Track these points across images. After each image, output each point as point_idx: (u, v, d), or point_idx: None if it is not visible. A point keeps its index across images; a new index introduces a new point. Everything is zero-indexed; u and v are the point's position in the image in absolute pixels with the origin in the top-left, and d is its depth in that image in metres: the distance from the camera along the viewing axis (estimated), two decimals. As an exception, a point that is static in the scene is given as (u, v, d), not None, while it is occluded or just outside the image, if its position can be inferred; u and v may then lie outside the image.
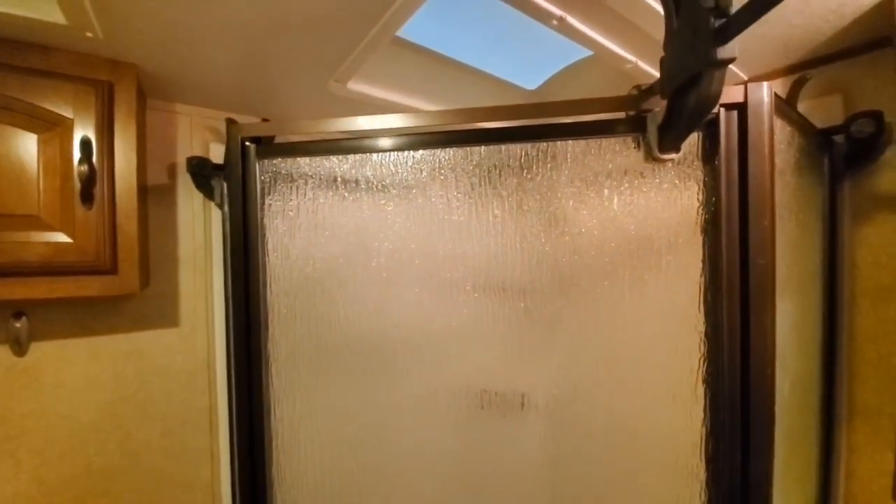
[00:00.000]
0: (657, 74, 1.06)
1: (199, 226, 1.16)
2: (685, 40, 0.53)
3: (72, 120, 0.86)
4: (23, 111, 0.82)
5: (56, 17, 0.77)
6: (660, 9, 0.77)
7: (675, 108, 0.57)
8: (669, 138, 0.59)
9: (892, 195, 0.90)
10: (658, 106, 0.61)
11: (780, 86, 1.03)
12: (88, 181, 0.86)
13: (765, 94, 0.61)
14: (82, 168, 0.86)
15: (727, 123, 0.61)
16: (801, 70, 1.01)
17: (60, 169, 0.86)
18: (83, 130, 0.87)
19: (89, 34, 0.81)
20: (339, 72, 0.99)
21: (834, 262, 0.97)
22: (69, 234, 0.86)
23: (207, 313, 1.17)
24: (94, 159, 0.88)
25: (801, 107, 0.94)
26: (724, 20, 0.48)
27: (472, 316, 0.70)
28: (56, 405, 1.01)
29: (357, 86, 1.06)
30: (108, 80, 0.90)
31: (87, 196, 0.87)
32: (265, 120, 0.86)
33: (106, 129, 0.90)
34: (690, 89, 0.53)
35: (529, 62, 1.35)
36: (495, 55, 1.27)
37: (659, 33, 0.86)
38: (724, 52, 0.49)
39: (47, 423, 1.00)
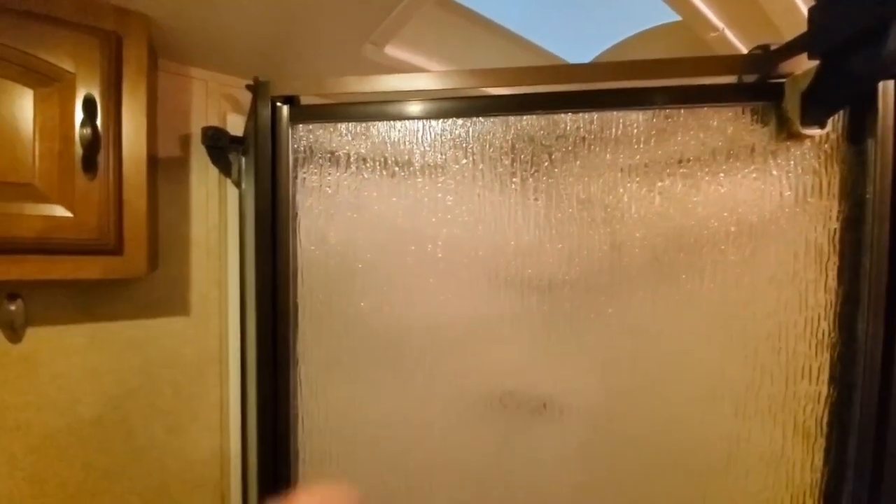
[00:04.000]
0: (742, 48, 0.93)
1: (213, 205, 1.05)
2: (859, -20, 0.41)
3: (73, 75, 0.75)
4: (16, 61, 0.70)
5: (55, -51, 0.65)
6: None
7: (831, 72, 0.44)
8: (817, 110, 0.47)
9: None
10: (799, 69, 0.49)
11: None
12: (92, 147, 0.75)
13: (929, 59, 0.49)
14: (85, 131, 0.74)
15: (884, 95, 0.48)
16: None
17: (60, 131, 0.74)
18: (86, 88, 0.76)
19: (94, -27, 0.69)
20: (376, 33, 0.87)
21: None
22: (68, 208, 0.75)
23: (220, 301, 1.06)
24: (99, 122, 0.77)
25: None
26: (936, -54, 0.36)
27: (528, 313, 0.59)
28: (55, 397, 0.91)
29: (395, 51, 0.94)
30: (114, 30, 0.78)
31: (89, 164, 0.76)
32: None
33: (113, 88, 0.78)
34: (859, 47, 0.41)
35: (582, 35, 1.22)
36: (546, 24, 1.14)
37: (763, -7, 0.74)
38: (930, -9, 0.36)
39: (45, 416, 0.90)
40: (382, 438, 0.63)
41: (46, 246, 0.74)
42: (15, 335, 0.87)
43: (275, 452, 0.59)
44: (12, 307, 0.85)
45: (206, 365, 1.06)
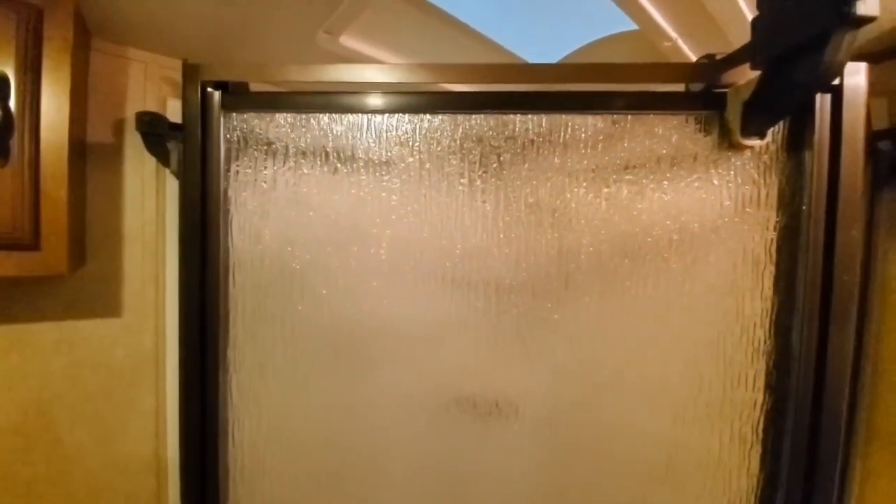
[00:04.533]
0: (694, 57, 0.95)
1: (149, 196, 0.97)
2: (798, -7, 0.41)
3: (-18, 50, 0.67)
4: None
5: None
6: (727, -31, 0.65)
7: (772, 82, 0.45)
8: (758, 120, 0.47)
9: (936, 208, 0.82)
10: (742, 80, 0.49)
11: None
12: (3, 130, 0.68)
13: (862, 77, 0.51)
14: (-6, 113, 0.67)
15: (821, 109, 0.49)
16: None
17: (-35, 112, 0.67)
18: (-2, 65, 0.68)
19: (6, -64, 0.62)
20: (330, 21, 0.83)
21: (866, 277, 0.90)
22: (-25, 197, 0.67)
23: (157, 301, 0.99)
24: (13, 104, 0.69)
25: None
26: (869, -38, 0.37)
27: (474, 318, 0.58)
28: (-34, 404, 0.83)
29: (350, 41, 0.90)
30: (36, 4, 0.71)
31: (0, 149, 0.69)
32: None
33: (29, 68, 0.71)
34: (800, 58, 0.41)
35: (543, 38, 1.22)
36: (508, 25, 1.13)
37: (714, 5, 0.75)
38: (864, 7, 0.37)
39: (-48, 426, 0.81)
40: (322, 450, 0.59)
41: (-52, 239, 0.66)
42: (-86, 337, 0.78)
43: (201, 468, 0.55)
44: None
45: (140, 368, 0.98)
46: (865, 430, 0.90)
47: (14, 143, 0.70)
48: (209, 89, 0.52)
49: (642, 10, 0.74)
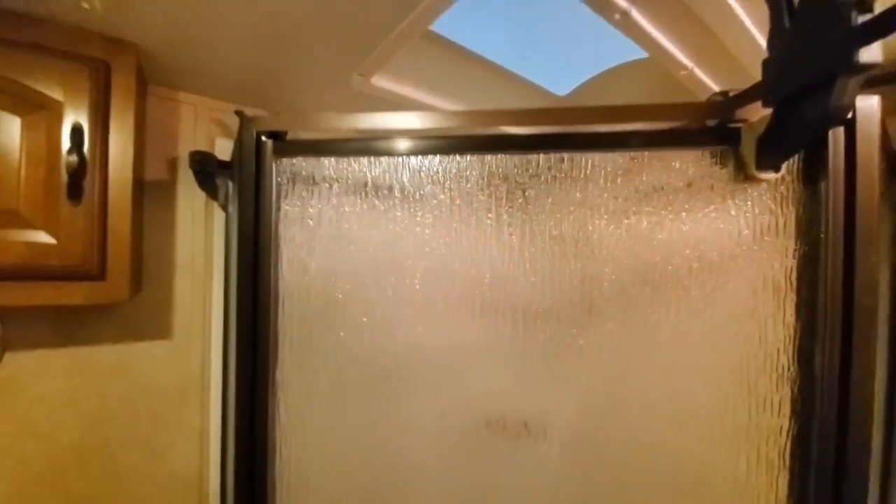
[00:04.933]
0: (712, 85, 0.98)
1: (199, 228, 1.05)
2: (805, 39, 0.44)
3: (61, 103, 0.76)
4: (4, 89, 0.71)
5: (48, -17, 0.67)
6: (738, 7, 0.68)
7: (783, 120, 0.47)
8: (771, 155, 0.50)
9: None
10: (755, 116, 0.52)
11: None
12: (77, 173, 0.76)
13: (875, 107, 0.53)
14: (71, 158, 0.75)
15: (834, 141, 0.52)
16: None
17: (46, 158, 0.75)
18: (74, 116, 0.77)
19: (86, 5, 0.71)
20: (363, 65, 0.90)
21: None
22: (52, 234, 0.75)
23: (204, 325, 1.06)
24: (86, 149, 0.78)
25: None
26: (869, 16, 0.39)
27: (502, 344, 0.61)
28: (33, 423, 0.90)
29: (382, 82, 0.96)
30: (103, 59, 0.80)
31: (75, 190, 0.77)
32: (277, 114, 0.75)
33: (100, 116, 0.79)
34: (809, 98, 0.44)
35: (561, 66, 1.26)
36: (526, 55, 1.19)
37: (728, 37, 0.78)
38: (867, 54, 0.40)
39: (23, 442, 0.89)
40: (362, 469, 0.63)
41: (29, 272, 0.74)
42: (-6, 360, 0.86)
43: (251, 482, 0.59)
44: (-9, 332, 0.84)
45: (187, 390, 1.05)
46: (907, 454, 0.88)
47: (86, 183, 0.78)
48: (263, 138, 0.58)
49: (655, 42, 0.77)
